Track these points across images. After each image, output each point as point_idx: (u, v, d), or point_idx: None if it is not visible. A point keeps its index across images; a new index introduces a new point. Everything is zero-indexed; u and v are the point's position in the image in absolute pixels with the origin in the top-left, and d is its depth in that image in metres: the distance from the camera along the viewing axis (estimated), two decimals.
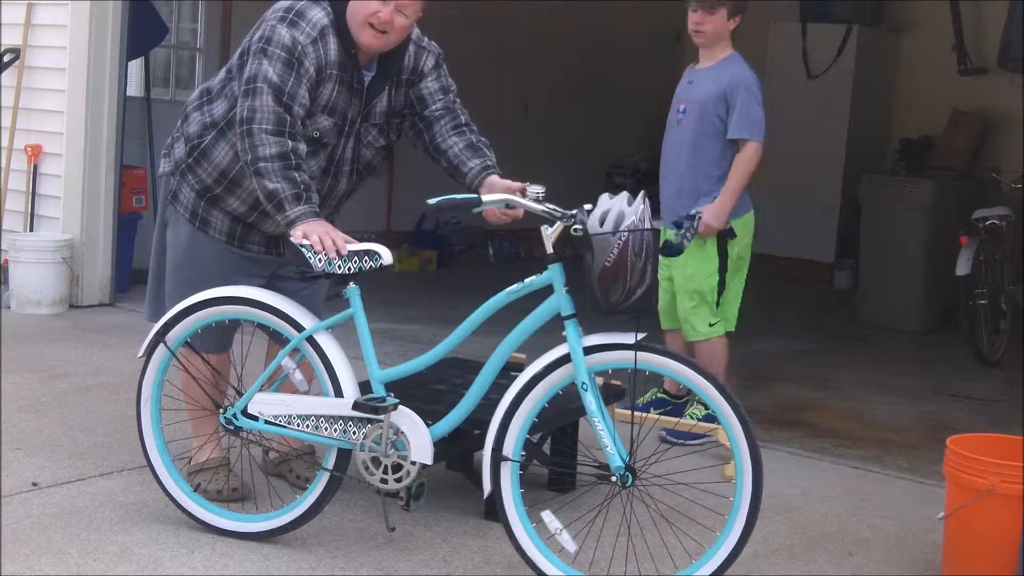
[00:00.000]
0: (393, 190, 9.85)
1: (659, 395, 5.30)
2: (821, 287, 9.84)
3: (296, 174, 3.64)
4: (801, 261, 10.02)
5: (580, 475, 3.63)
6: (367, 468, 3.59)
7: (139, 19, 7.50)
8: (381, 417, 3.56)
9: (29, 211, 7.38)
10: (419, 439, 3.58)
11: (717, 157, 4.98)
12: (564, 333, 3.41)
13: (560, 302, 3.43)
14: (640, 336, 3.37)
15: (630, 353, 3.39)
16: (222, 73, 3.94)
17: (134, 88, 8.25)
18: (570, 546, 3.44)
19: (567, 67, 10.91)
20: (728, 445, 4.71)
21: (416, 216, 10.12)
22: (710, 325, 5.03)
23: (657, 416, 4.92)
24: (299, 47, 3.66)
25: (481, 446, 3.55)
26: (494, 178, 3.84)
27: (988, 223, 7.23)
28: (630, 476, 3.41)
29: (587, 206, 3.43)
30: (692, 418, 5.07)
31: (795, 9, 10.12)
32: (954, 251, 7.13)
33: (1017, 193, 7.72)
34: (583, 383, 3.38)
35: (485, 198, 3.53)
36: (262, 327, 3.86)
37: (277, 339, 4.09)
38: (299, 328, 3.67)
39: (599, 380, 4.02)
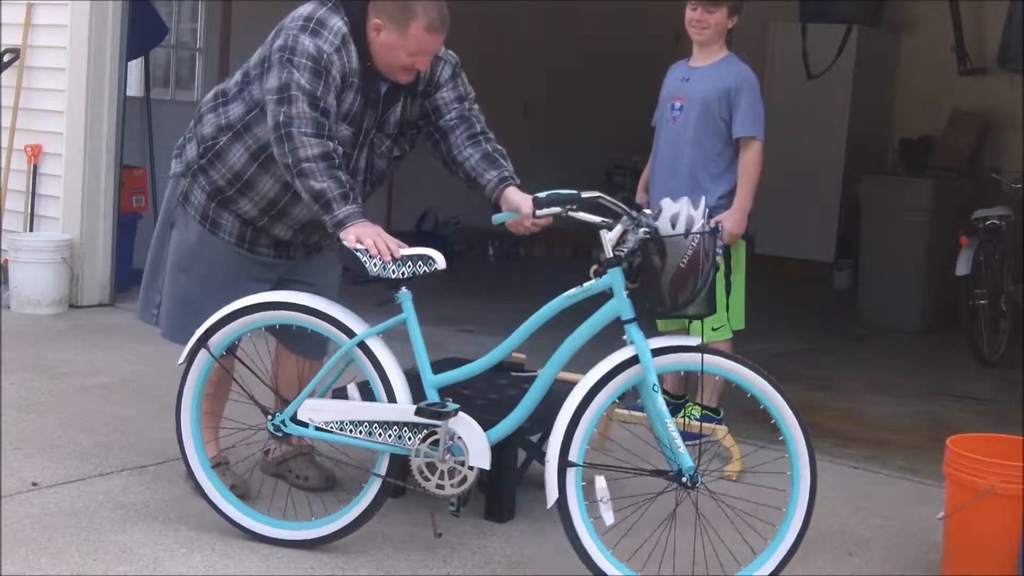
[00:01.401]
0: (393, 190, 9.85)
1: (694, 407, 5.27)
2: (821, 287, 9.84)
3: (341, 173, 3.62)
4: (801, 261, 10.03)
5: (638, 476, 3.58)
6: (422, 474, 3.58)
7: (139, 19, 7.50)
8: (440, 423, 3.53)
9: (29, 211, 7.39)
10: (476, 443, 3.56)
11: (717, 156, 4.97)
12: (624, 337, 3.42)
13: (620, 306, 3.43)
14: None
15: (695, 355, 3.42)
16: (237, 76, 3.92)
17: (134, 88, 8.24)
18: (608, 517, 3.41)
19: (567, 67, 10.92)
20: (728, 445, 4.74)
21: (416, 216, 10.13)
22: (714, 329, 5.03)
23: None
24: (324, 56, 3.64)
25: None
26: (511, 191, 3.81)
27: (988, 223, 7.24)
28: (699, 477, 3.43)
29: (646, 210, 3.48)
30: (690, 418, 5.06)
31: (795, 9, 10.12)
32: (954, 251, 7.14)
33: (1017, 193, 7.72)
34: (653, 384, 3.38)
35: (543, 212, 3.51)
36: (270, 329, 3.83)
37: (288, 343, 4.05)
38: (350, 333, 3.63)
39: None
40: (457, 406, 3.57)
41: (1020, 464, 3.58)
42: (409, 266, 3.55)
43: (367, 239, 3.54)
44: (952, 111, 9.70)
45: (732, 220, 4.86)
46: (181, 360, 3.79)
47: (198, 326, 3.79)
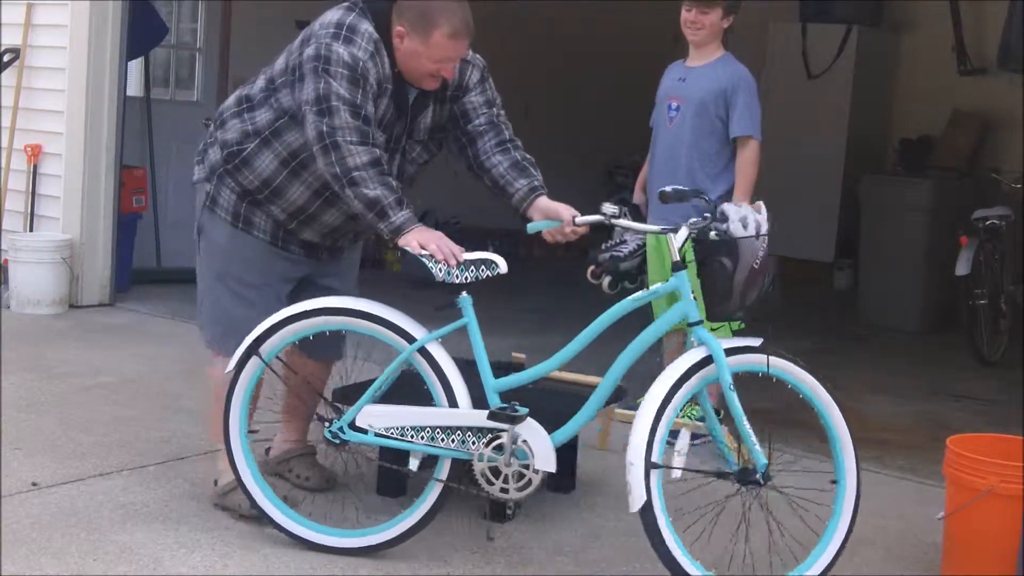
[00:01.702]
0: None
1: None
2: (821, 287, 9.84)
3: (391, 179, 3.59)
4: (801, 261, 10.02)
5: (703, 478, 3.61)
6: (486, 478, 3.58)
7: (139, 19, 7.50)
8: (506, 427, 3.53)
9: (29, 211, 7.38)
10: (542, 447, 3.56)
11: (714, 155, 4.98)
12: (693, 339, 3.47)
13: (687, 308, 3.48)
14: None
15: (761, 356, 3.46)
16: (261, 82, 3.85)
17: (134, 88, 8.24)
18: (677, 471, 3.45)
19: (567, 67, 10.92)
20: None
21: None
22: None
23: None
24: (360, 64, 3.58)
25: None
26: (544, 199, 3.79)
27: (988, 223, 7.23)
28: (771, 475, 3.47)
29: (706, 212, 3.53)
30: (689, 419, 5.06)
31: (795, 9, 10.12)
32: (954, 251, 7.13)
33: (1017, 193, 7.72)
34: (729, 383, 3.40)
35: (583, 220, 3.62)
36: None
37: (305, 347, 3.95)
38: (409, 339, 3.61)
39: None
40: (527, 410, 3.57)
41: (1020, 464, 3.58)
42: (472, 271, 3.55)
43: (431, 244, 3.53)
44: (952, 111, 9.70)
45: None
46: (229, 368, 3.72)
47: (237, 336, 3.74)
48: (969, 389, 6.57)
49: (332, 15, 3.70)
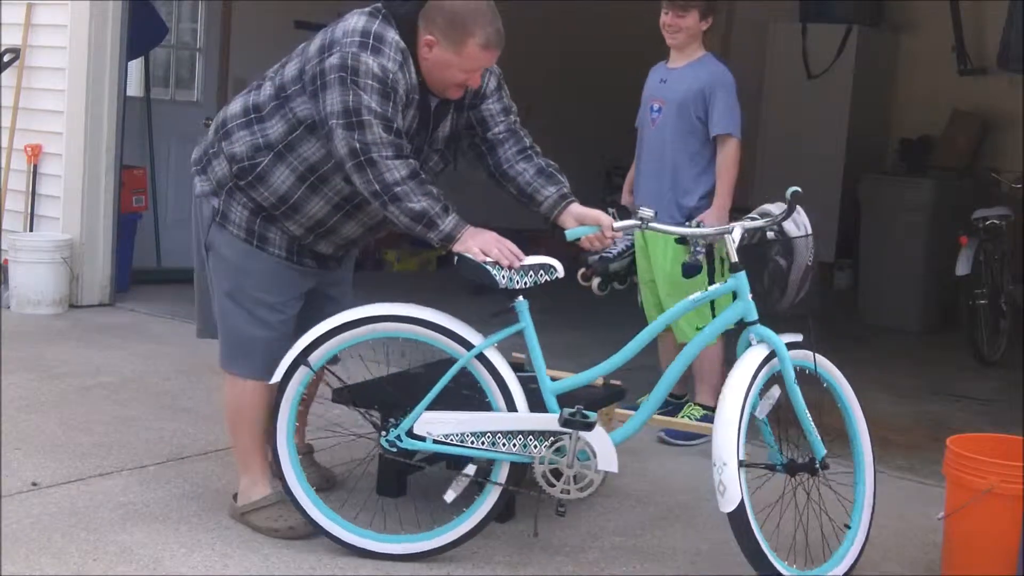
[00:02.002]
0: None
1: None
2: (821, 287, 9.82)
3: (432, 187, 3.52)
4: None
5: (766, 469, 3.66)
6: (546, 479, 3.58)
7: (139, 19, 7.50)
8: (568, 430, 3.54)
9: (29, 211, 7.39)
10: (604, 448, 3.58)
11: (696, 154, 5.03)
12: (751, 337, 3.55)
13: (746, 308, 3.55)
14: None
15: (807, 352, 3.60)
16: (269, 90, 3.67)
17: (134, 88, 8.25)
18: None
19: (567, 67, 10.91)
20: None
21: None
22: (698, 328, 5.03)
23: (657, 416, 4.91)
24: (390, 75, 3.47)
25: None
26: (576, 206, 3.75)
27: (988, 223, 7.23)
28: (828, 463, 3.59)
29: (752, 214, 3.63)
30: (689, 419, 5.07)
31: (795, 9, 10.11)
32: (954, 251, 7.13)
33: (1017, 193, 7.72)
34: (793, 378, 3.52)
35: (621, 225, 3.65)
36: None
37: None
38: (467, 345, 3.58)
39: (599, 380, 4.05)
40: (595, 414, 3.60)
41: (1020, 464, 3.58)
42: (531, 276, 3.53)
43: (492, 249, 3.50)
44: (952, 111, 9.70)
45: (713, 218, 4.88)
46: (277, 379, 3.64)
47: (250, 357, 3.72)
48: (969, 389, 6.57)
49: (355, 22, 3.55)
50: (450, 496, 3.62)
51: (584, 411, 3.57)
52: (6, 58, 7.37)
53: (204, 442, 4.68)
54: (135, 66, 8.22)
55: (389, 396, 3.86)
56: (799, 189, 3.60)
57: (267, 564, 3.60)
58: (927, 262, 8.18)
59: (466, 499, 3.65)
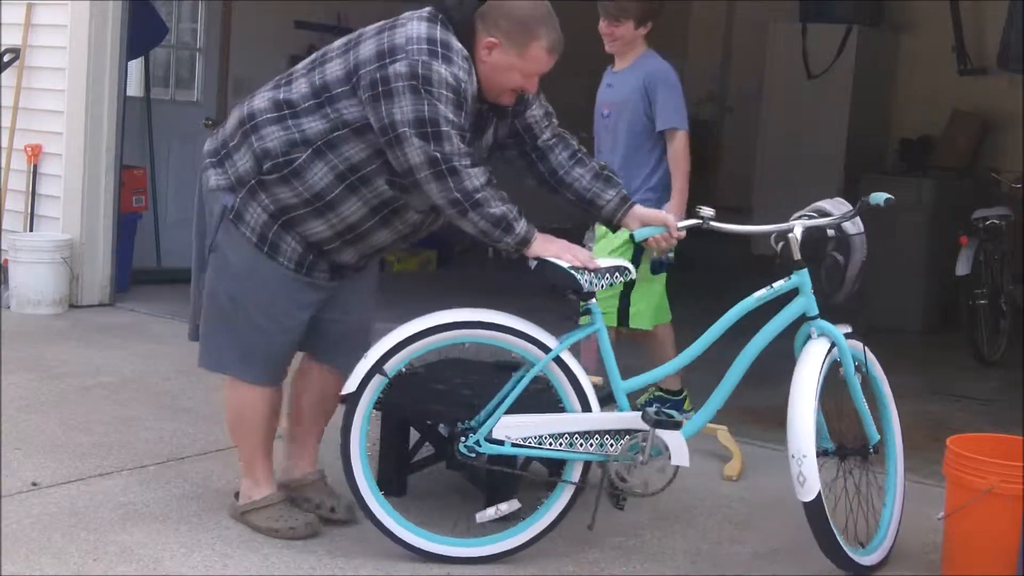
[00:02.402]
0: None
1: (657, 394, 5.29)
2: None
3: (504, 193, 3.51)
4: None
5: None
6: (620, 476, 3.65)
7: (139, 19, 7.50)
8: (645, 428, 3.61)
9: (29, 211, 7.39)
10: (677, 443, 3.64)
11: (647, 152, 5.05)
12: (812, 331, 3.76)
13: (808, 303, 3.74)
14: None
15: (857, 343, 3.80)
16: (304, 88, 3.55)
17: (134, 88, 8.24)
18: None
19: (566, 67, 10.90)
20: (728, 445, 4.74)
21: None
22: (657, 319, 5.04)
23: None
24: (462, 84, 3.42)
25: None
26: (639, 208, 3.80)
27: (988, 223, 7.23)
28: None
29: (808, 211, 3.76)
30: (659, 404, 5.06)
31: (795, 9, 10.12)
32: (954, 251, 7.13)
33: (1017, 193, 7.72)
34: (852, 368, 3.73)
35: (684, 225, 3.76)
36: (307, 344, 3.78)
37: (321, 354, 3.88)
38: (544, 348, 3.61)
39: (597, 380, 4.05)
40: (677, 413, 3.72)
41: (1020, 464, 3.58)
42: (607, 278, 3.60)
43: (566, 254, 3.54)
44: (952, 111, 9.70)
45: (675, 211, 4.86)
46: (351, 389, 3.56)
47: (256, 363, 3.69)
48: (969, 389, 6.56)
49: (418, 28, 3.46)
50: (484, 518, 3.66)
51: (665, 410, 3.69)
52: (6, 58, 7.37)
53: (204, 442, 4.68)
54: (135, 66, 8.21)
55: (450, 404, 3.92)
56: (869, 199, 3.69)
57: (267, 564, 3.60)
58: (927, 262, 8.18)
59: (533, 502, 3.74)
